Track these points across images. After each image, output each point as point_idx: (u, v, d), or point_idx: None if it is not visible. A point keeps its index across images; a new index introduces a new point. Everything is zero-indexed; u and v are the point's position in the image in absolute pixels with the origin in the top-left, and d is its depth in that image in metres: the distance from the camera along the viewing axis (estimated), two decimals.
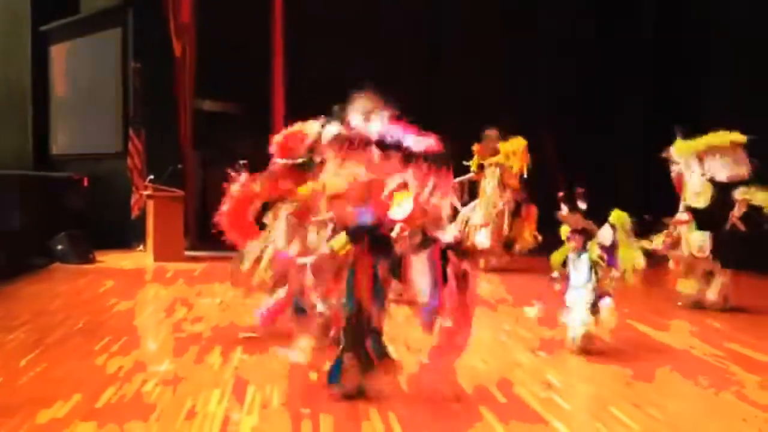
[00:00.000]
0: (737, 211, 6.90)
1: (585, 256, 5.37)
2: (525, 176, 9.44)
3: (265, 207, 5.78)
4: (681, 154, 7.29)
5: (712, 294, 7.14)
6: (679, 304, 7.31)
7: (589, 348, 5.33)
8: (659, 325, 6.53)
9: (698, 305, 7.19)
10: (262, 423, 3.85)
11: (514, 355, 5.42)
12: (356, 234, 4.10)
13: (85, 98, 12.55)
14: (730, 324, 6.54)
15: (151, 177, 10.77)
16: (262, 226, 5.74)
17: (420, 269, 4.08)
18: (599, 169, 11.00)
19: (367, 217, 4.11)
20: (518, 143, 9.53)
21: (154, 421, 3.84)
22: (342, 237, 4.10)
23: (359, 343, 4.20)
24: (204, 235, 11.92)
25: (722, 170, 7.00)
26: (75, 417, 3.87)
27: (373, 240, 4.13)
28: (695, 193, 7.18)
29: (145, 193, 10.81)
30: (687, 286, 7.29)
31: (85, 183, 11.67)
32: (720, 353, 5.61)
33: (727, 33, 10.23)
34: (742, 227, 6.90)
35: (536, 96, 11.50)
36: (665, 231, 7.24)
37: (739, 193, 6.91)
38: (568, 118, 11.39)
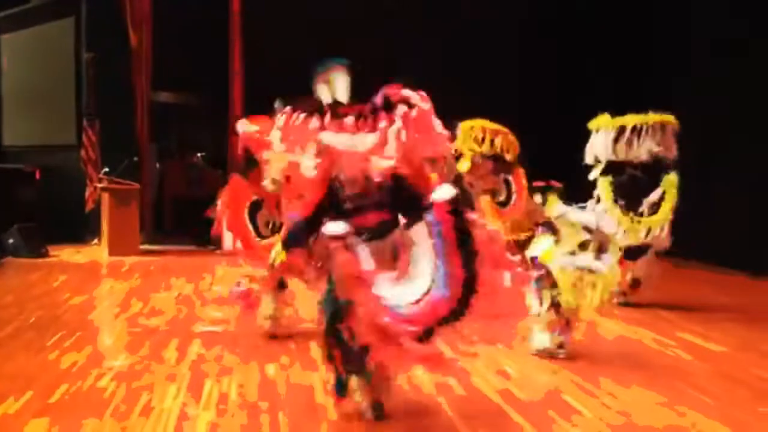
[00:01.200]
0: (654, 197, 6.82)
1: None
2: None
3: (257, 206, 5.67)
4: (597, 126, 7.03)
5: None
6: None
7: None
8: (611, 315, 6.64)
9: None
10: (219, 418, 3.83)
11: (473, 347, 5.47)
12: (289, 241, 3.78)
13: (38, 89, 12.29)
14: (680, 315, 6.69)
15: (106, 169, 10.60)
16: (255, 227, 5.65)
17: (420, 248, 3.44)
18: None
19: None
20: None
21: (108, 416, 3.79)
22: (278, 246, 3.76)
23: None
24: (160, 229, 11.83)
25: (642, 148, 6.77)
26: (27, 413, 3.81)
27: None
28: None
29: (100, 185, 10.64)
30: None
31: (37, 175, 11.42)
32: (672, 343, 5.74)
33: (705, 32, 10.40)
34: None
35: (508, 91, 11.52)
36: None
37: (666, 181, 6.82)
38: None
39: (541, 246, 5.17)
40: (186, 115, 13.40)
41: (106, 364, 4.77)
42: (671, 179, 6.80)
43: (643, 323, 6.37)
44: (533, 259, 5.15)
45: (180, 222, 12.16)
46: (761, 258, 7.73)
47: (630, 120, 6.80)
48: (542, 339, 5.14)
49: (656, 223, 6.70)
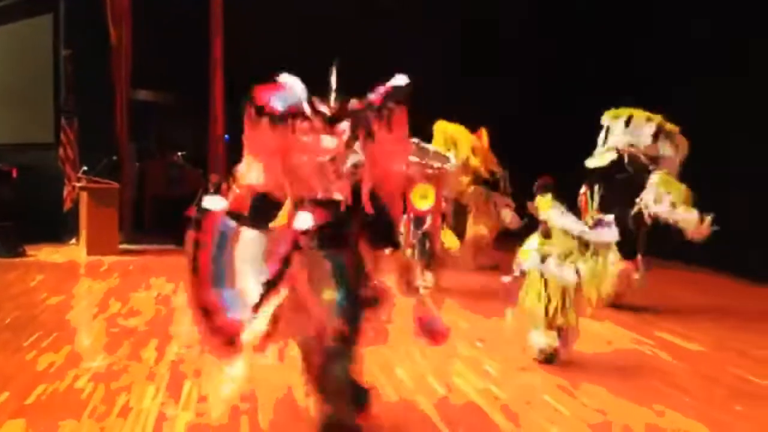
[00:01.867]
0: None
1: None
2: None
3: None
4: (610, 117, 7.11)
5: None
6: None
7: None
8: (590, 314, 6.67)
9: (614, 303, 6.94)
10: (198, 418, 3.81)
11: (453, 346, 5.48)
12: None
13: (15, 87, 12.13)
14: (659, 315, 6.74)
15: (85, 168, 10.50)
16: None
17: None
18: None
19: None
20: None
21: (86, 417, 3.76)
22: None
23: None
24: (140, 228, 11.74)
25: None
26: (4, 414, 3.77)
27: None
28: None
29: (78, 184, 10.53)
30: None
31: (14, 174, 11.27)
32: (651, 342, 5.79)
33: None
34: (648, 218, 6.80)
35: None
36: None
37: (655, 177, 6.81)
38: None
39: (527, 244, 5.18)
40: (166, 114, 13.31)
41: (84, 364, 4.72)
42: (664, 177, 6.76)
43: (623, 323, 6.41)
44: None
45: (160, 221, 12.07)
46: (744, 260, 7.80)
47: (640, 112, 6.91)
48: (535, 338, 5.07)
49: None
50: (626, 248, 6.62)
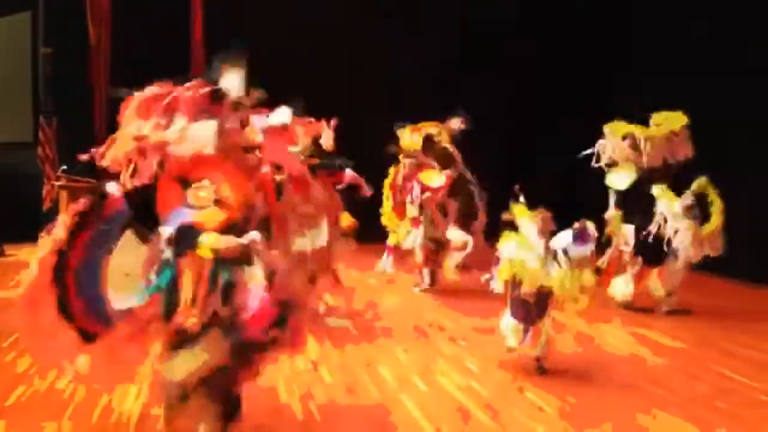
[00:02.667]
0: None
1: None
2: None
3: None
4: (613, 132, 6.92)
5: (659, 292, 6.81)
6: (617, 303, 6.88)
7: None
8: (570, 312, 6.69)
9: (631, 305, 6.85)
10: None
11: (437, 345, 5.49)
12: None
13: None
14: (646, 315, 6.74)
15: (64, 167, 10.40)
16: None
17: None
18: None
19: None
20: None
21: (67, 419, 3.72)
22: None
23: None
24: None
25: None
26: None
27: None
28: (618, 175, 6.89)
29: (57, 183, 10.43)
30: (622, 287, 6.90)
31: None
32: (633, 340, 5.83)
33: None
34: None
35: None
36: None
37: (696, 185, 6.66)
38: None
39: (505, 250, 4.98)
40: None
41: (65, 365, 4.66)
42: (704, 181, 6.65)
43: (606, 320, 6.44)
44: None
45: (140, 220, 11.96)
46: (735, 261, 7.80)
47: (640, 130, 6.78)
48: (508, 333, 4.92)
49: (713, 229, 6.60)
50: (650, 255, 6.69)
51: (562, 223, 4.84)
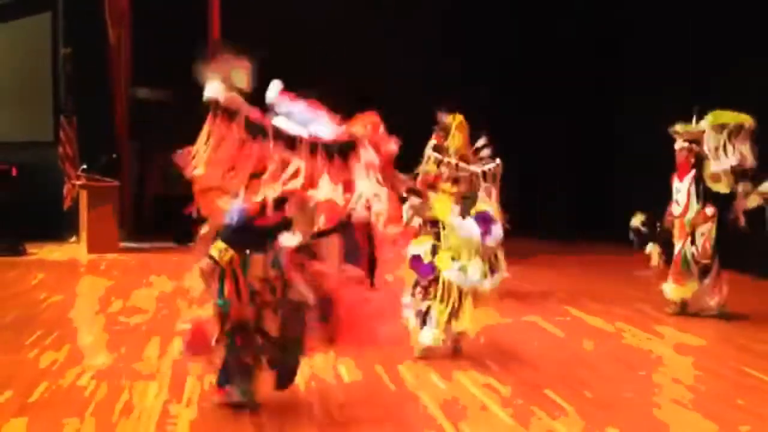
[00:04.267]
0: (742, 204, 6.19)
1: None
2: None
3: None
4: (713, 125, 6.29)
5: (709, 298, 6.40)
6: (669, 311, 6.52)
7: None
8: (592, 310, 6.68)
9: (688, 310, 6.48)
10: (201, 416, 3.81)
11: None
12: (232, 237, 3.65)
13: (14, 84, 12.09)
14: (660, 309, 6.70)
15: (84, 166, 10.49)
16: None
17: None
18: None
19: (236, 213, 3.66)
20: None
21: (89, 416, 3.76)
22: (219, 243, 3.64)
23: (244, 347, 3.76)
24: (140, 227, 11.73)
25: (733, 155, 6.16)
26: (7, 413, 3.77)
27: (247, 235, 3.67)
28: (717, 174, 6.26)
29: (78, 183, 10.53)
30: (682, 292, 6.44)
31: (14, 172, 11.27)
32: (651, 337, 5.79)
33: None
34: (742, 222, 6.18)
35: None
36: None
37: (745, 187, 6.18)
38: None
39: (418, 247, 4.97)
40: (166, 112, 13.26)
41: (86, 362, 4.72)
42: None
43: (623, 318, 6.40)
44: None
45: (161, 219, 12.06)
46: (746, 255, 7.73)
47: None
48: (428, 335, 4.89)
49: None
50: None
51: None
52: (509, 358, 5.06)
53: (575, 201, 11.86)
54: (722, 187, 6.27)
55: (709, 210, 6.34)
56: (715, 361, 5.14)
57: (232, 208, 3.69)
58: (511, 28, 11.76)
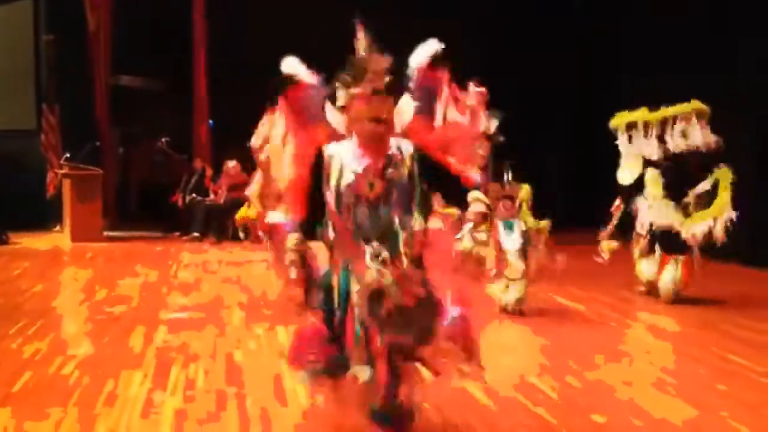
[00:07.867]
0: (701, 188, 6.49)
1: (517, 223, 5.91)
2: None
3: None
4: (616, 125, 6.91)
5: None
6: (642, 289, 6.81)
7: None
8: (577, 297, 6.73)
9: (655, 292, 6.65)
10: (186, 404, 3.81)
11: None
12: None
13: None
14: (643, 296, 6.77)
15: (67, 155, 10.42)
16: None
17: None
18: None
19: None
20: None
21: (72, 405, 3.75)
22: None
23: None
24: (125, 215, 11.68)
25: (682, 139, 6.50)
26: None
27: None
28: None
29: (61, 171, 10.46)
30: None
31: None
32: (633, 323, 5.85)
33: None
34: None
35: None
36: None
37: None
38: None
39: None
40: (150, 99, 13.20)
41: (70, 351, 4.71)
42: (724, 171, 6.38)
43: (606, 305, 6.46)
44: None
45: (144, 207, 12.02)
46: (734, 244, 7.77)
47: (653, 115, 6.65)
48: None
49: (708, 216, 6.35)
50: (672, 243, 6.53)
51: None
52: (492, 345, 5.07)
53: (564, 190, 11.91)
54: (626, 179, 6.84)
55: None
56: (697, 347, 5.19)
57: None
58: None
